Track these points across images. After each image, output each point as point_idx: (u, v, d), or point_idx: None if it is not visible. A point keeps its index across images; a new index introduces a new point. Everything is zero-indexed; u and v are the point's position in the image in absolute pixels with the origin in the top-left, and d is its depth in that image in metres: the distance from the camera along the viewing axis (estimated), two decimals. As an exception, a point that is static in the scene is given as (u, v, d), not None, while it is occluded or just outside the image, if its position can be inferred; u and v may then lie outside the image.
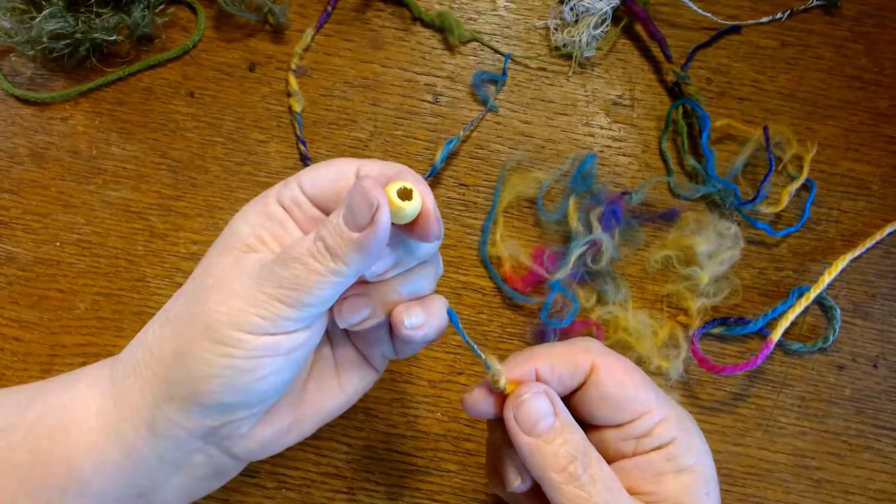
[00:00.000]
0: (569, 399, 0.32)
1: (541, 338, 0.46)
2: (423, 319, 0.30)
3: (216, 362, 0.28)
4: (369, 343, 0.33)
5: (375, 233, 0.27)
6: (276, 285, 0.28)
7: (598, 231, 0.46)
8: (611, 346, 0.45)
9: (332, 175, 0.30)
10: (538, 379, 0.31)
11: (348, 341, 0.34)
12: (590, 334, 0.46)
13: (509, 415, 0.30)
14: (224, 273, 0.29)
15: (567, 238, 0.47)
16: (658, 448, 0.30)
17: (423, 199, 0.28)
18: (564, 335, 0.46)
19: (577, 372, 0.31)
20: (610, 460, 0.31)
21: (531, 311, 0.47)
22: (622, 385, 0.30)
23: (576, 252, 0.45)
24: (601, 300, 0.47)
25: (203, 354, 0.28)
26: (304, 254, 0.28)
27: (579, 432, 0.30)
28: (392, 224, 0.27)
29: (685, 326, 0.47)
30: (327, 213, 0.30)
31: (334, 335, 0.34)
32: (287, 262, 0.28)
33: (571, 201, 0.47)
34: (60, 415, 0.31)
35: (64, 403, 0.31)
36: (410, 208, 0.28)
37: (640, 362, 0.45)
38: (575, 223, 0.46)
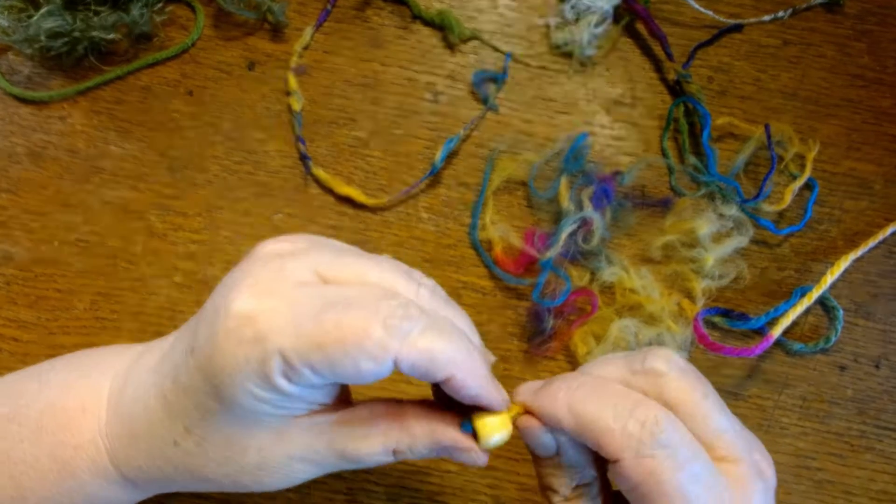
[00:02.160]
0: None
1: (536, 318, 0.45)
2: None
3: None
4: None
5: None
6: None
7: (588, 209, 0.46)
8: (619, 310, 0.45)
9: (365, 374, 0.25)
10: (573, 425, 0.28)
11: None
12: (587, 305, 0.45)
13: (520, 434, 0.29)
14: (263, 456, 0.28)
15: (558, 218, 0.47)
16: None
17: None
18: (558, 314, 0.45)
19: (599, 449, 0.27)
20: None
21: (525, 294, 0.46)
22: (634, 498, 0.27)
23: (566, 230, 0.45)
24: (595, 278, 0.46)
25: None
26: (375, 459, 0.29)
27: (575, 474, 0.29)
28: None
29: (684, 309, 0.46)
30: None
31: None
32: (353, 462, 0.29)
33: (563, 180, 0.47)
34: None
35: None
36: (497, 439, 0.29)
37: (651, 319, 0.45)
38: (566, 202, 0.46)
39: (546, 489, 0.30)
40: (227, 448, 0.28)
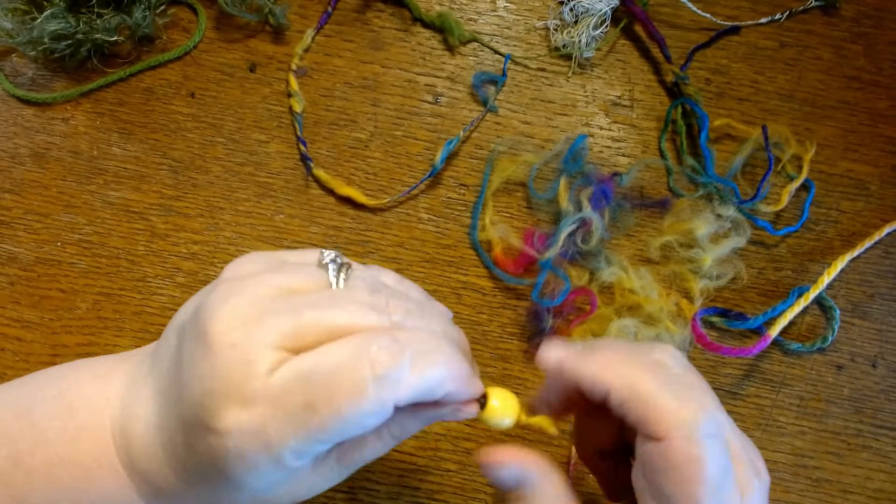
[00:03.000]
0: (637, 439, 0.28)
1: (535, 318, 0.46)
2: None
3: None
4: None
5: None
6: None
7: (587, 210, 0.46)
8: (618, 309, 0.46)
9: (433, 386, 0.27)
10: (608, 395, 0.28)
11: None
12: (586, 304, 0.46)
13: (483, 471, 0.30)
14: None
15: (558, 219, 0.48)
16: None
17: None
18: (557, 313, 0.46)
19: (645, 428, 0.27)
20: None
21: (525, 294, 0.47)
22: (679, 482, 0.26)
23: (566, 230, 0.46)
24: (594, 278, 0.47)
25: None
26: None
27: (545, 497, 0.29)
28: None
29: (682, 309, 0.47)
30: None
31: None
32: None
33: (562, 181, 0.47)
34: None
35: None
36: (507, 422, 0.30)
37: (650, 319, 0.45)
38: (565, 203, 0.47)
39: None
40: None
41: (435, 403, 0.28)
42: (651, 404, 0.26)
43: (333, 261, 0.29)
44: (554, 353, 0.29)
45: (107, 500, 0.30)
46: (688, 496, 0.26)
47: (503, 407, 0.30)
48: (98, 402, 0.30)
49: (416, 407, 0.28)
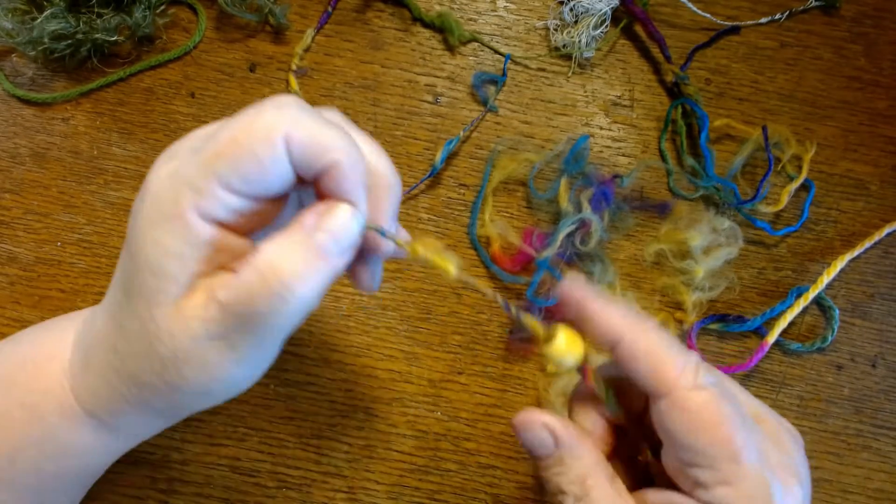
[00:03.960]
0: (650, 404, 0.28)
1: None
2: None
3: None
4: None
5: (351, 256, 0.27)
6: (229, 345, 0.26)
7: (587, 211, 0.46)
8: None
9: (265, 162, 0.25)
10: (614, 349, 0.27)
11: None
12: None
13: (517, 437, 0.29)
14: (175, 343, 0.26)
15: (557, 219, 0.48)
16: None
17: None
18: (549, 315, 0.46)
19: (647, 381, 0.27)
20: (668, 482, 0.28)
21: (523, 295, 0.47)
22: (693, 431, 0.25)
23: (564, 230, 0.46)
24: (589, 282, 0.47)
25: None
26: (266, 308, 0.25)
27: (582, 461, 0.28)
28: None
29: (680, 322, 0.47)
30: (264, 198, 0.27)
31: None
32: (256, 324, 0.26)
33: (563, 182, 0.47)
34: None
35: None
36: (571, 360, 0.28)
37: None
38: (565, 203, 0.47)
39: (558, 495, 0.28)
40: (143, 337, 0.27)
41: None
42: (660, 357, 0.26)
43: None
44: (578, 290, 0.29)
45: (57, 435, 0.31)
46: (720, 438, 0.25)
47: (569, 342, 0.28)
48: (58, 343, 0.31)
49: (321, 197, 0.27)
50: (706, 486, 0.26)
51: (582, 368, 0.29)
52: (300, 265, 0.25)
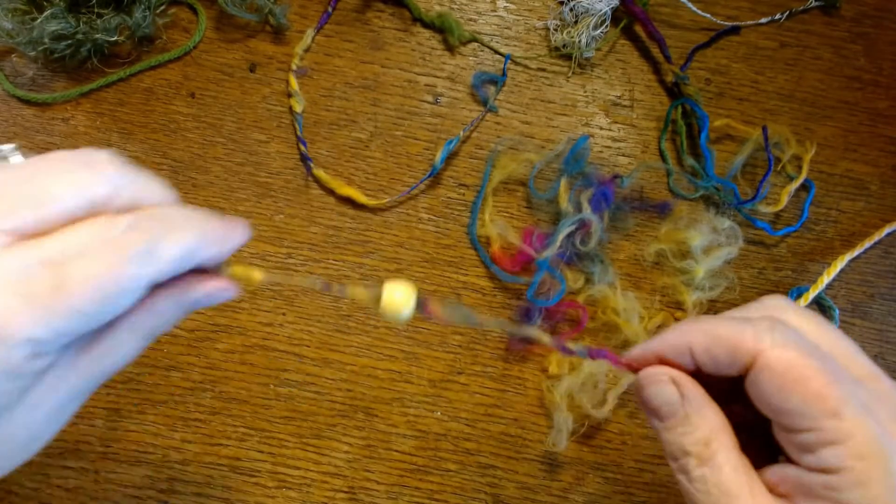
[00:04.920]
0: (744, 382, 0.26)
1: (525, 315, 0.46)
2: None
3: None
4: None
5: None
6: None
7: (587, 211, 0.46)
8: (598, 328, 0.46)
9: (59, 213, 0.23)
10: (693, 355, 0.26)
11: None
12: (576, 317, 0.46)
13: (638, 395, 0.27)
14: None
15: (557, 219, 0.48)
16: (820, 471, 0.24)
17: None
18: (550, 315, 0.46)
19: (735, 361, 0.25)
20: (775, 454, 0.26)
21: (524, 295, 0.47)
22: (781, 391, 0.24)
23: (564, 231, 0.46)
24: (589, 282, 0.47)
25: None
26: None
27: (708, 421, 0.26)
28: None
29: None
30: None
31: None
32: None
33: (563, 182, 0.47)
34: None
35: None
36: (406, 311, 0.27)
37: (626, 345, 0.46)
38: (565, 204, 0.47)
39: (680, 457, 0.26)
40: None
41: (194, 279, 0.26)
42: (733, 334, 0.25)
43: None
44: (633, 354, 0.28)
45: None
46: (813, 394, 0.24)
47: (401, 293, 0.27)
48: None
49: (173, 287, 0.26)
50: (812, 450, 0.24)
51: (423, 306, 0.28)
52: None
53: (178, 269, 0.25)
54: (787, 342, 0.24)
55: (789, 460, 0.25)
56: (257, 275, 0.28)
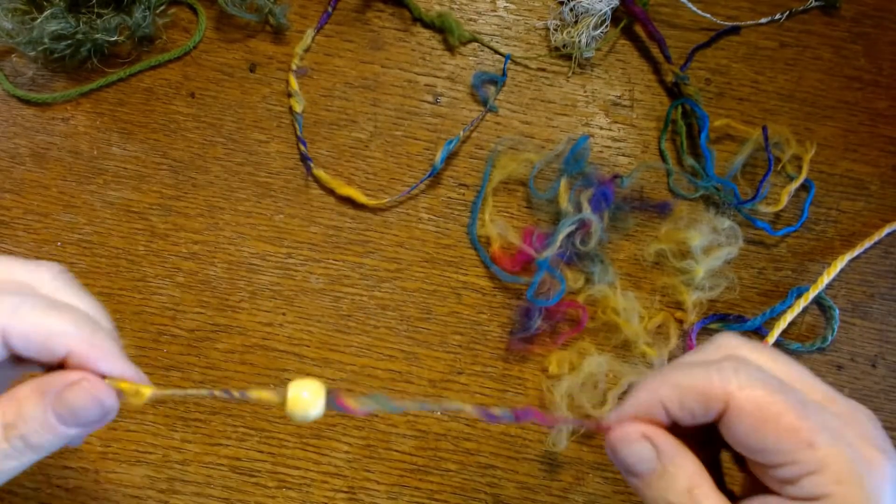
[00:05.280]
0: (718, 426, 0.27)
1: (525, 315, 0.46)
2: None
3: None
4: None
5: (100, 426, 0.26)
6: None
7: (587, 211, 0.46)
8: (598, 328, 0.46)
9: (54, 331, 0.25)
10: (667, 411, 0.27)
11: None
12: (576, 317, 0.46)
13: (610, 456, 0.27)
14: None
15: (557, 219, 0.48)
16: (804, 499, 0.24)
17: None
18: (550, 315, 0.46)
19: (708, 408, 0.26)
20: (757, 487, 0.27)
21: (524, 295, 0.47)
22: (757, 429, 0.25)
23: (564, 231, 0.46)
24: (589, 282, 0.47)
25: None
26: None
27: (685, 470, 0.26)
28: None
29: (681, 322, 0.47)
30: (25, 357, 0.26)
31: None
32: None
33: (563, 182, 0.47)
34: None
35: None
36: (315, 411, 0.27)
37: (625, 345, 0.46)
38: (565, 203, 0.47)
39: None
40: None
41: (65, 383, 0.26)
42: (701, 383, 0.26)
43: None
44: (611, 419, 0.28)
45: None
46: (786, 429, 0.24)
47: (308, 392, 0.27)
48: None
49: (42, 392, 0.26)
50: (794, 482, 0.25)
51: (334, 402, 0.28)
52: (40, 428, 0.25)
53: (39, 346, 0.25)
54: (753, 381, 0.25)
55: (769, 491, 0.26)
56: (145, 391, 0.27)
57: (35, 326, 0.25)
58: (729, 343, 0.28)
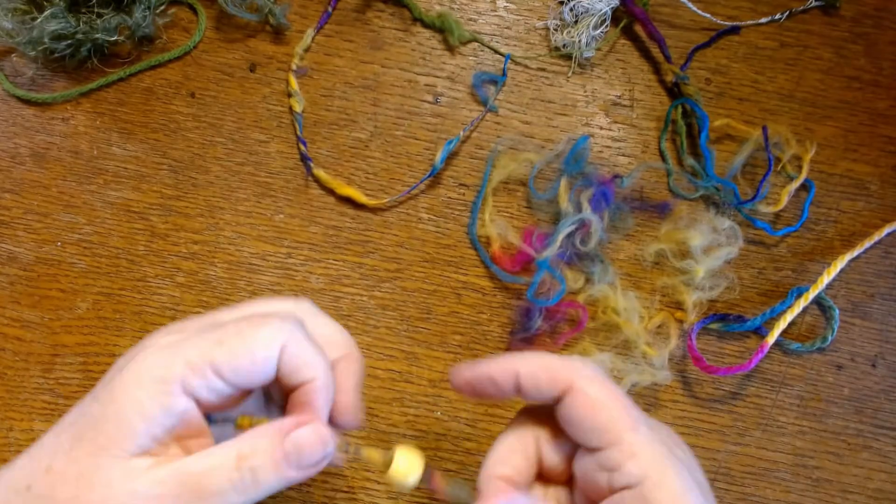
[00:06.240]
0: (556, 410, 0.31)
1: (525, 315, 0.46)
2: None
3: None
4: None
5: (313, 473, 0.28)
6: None
7: (587, 211, 0.46)
8: (598, 328, 0.46)
9: (259, 362, 0.28)
10: (518, 380, 0.31)
11: None
12: (576, 317, 0.46)
13: None
14: (109, 491, 0.26)
15: (557, 219, 0.48)
16: (628, 487, 0.28)
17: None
18: (550, 315, 0.46)
19: (553, 387, 0.30)
20: (594, 498, 0.30)
21: (524, 295, 0.47)
22: (592, 410, 0.29)
23: (564, 231, 0.46)
24: (589, 282, 0.47)
25: None
26: (223, 482, 0.26)
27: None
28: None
29: (681, 322, 0.47)
30: (248, 389, 0.29)
31: None
32: (198, 492, 0.26)
33: (563, 182, 0.47)
34: None
35: None
36: (411, 481, 0.30)
37: (625, 345, 0.46)
38: (565, 203, 0.47)
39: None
40: (75, 481, 0.26)
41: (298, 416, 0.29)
42: (552, 367, 0.30)
43: None
44: (463, 373, 0.32)
45: None
46: (619, 412, 0.29)
47: (409, 462, 0.30)
48: None
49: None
50: (617, 469, 0.28)
51: (429, 478, 0.30)
52: (268, 462, 0.27)
53: (294, 365, 0.29)
54: (595, 372, 0.30)
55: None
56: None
57: (302, 349, 0.29)
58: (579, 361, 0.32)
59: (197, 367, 0.27)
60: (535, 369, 0.30)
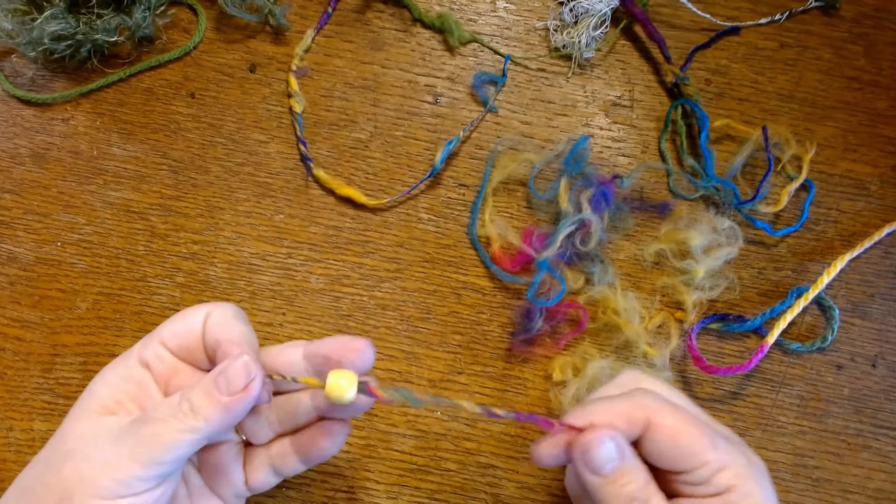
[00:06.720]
0: (638, 445, 0.32)
1: (526, 316, 0.46)
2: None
3: None
4: (221, 485, 0.35)
5: (243, 400, 0.31)
6: (131, 444, 0.30)
7: (587, 211, 0.46)
8: (599, 329, 0.46)
9: (191, 324, 0.33)
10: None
11: (205, 487, 0.35)
12: (576, 317, 0.46)
13: (578, 457, 0.31)
14: (80, 439, 0.31)
15: (557, 219, 0.48)
16: (716, 495, 0.30)
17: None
18: (550, 316, 0.46)
19: (633, 429, 0.31)
20: (673, 495, 0.32)
21: (524, 295, 0.47)
22: (675, 441, 0.31)
23: (564, 231, 0.46)
24: (589, 282, 0.47)
25: None
26: (166, 414, 0.30)
27: (642, 473, 0.31)
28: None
29: (681, 322, 0.47)
30: (190, 362, 0.34)
31: (189, 482, 0.35)
32: (147, 422, 0.30)
33: (563, 182, 0.47)
34: None
35: None
36: (349, 395, 0.31)
37: (626, 346, 0.46)
38: (565, 204, 0.47)
39: None
40: (51, 448, 0.32)
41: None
42: (626, 414, 0.31)
43: None
44: (541, 450, 0.33)
45: None
46: (698, 438, 0.30)
47: (344, 379, 0.31)
48: None
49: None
50: (706, 483, 0.30)
51: (365, 389, 0.32)
52: (202, 392, 0.31)
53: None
54: (664, 405, 0.31)
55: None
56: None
57: (223, 318, 0.34)
58: (631, 376, 0.35)
59: (147, 343, 0.33)
60: (612, 421, 0.31)
